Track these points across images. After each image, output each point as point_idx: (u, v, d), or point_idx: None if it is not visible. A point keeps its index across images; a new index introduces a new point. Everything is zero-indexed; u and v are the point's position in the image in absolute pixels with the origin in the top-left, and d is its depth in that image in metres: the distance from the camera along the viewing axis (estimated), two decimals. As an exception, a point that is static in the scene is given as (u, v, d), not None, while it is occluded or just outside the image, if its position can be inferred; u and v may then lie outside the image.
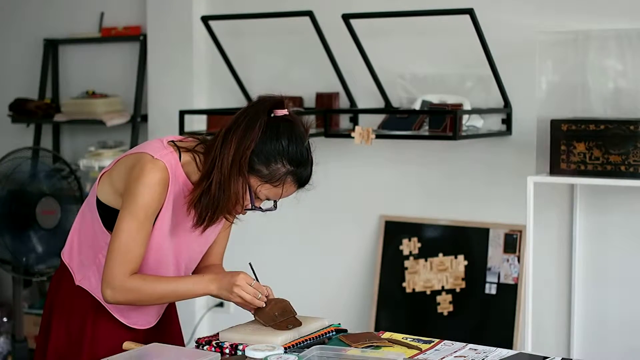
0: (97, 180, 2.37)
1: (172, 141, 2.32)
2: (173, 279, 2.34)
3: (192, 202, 2.25)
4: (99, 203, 2.35)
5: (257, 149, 2.19)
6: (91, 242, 2.38)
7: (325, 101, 4.04)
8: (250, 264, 2.42)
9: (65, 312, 2.42)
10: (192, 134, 2.43)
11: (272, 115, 2.23)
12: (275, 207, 2.31)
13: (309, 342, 2.27)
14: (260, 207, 2.28)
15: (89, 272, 2.38)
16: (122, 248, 2.23)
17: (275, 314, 2.30)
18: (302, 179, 2.25)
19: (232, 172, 2.20)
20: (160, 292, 2.28)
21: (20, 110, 4.73)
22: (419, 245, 3.96)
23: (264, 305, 2.31)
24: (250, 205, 2.26)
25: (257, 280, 2.33)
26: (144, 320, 2.44)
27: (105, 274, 2.25)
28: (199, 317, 4.36)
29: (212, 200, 2.22)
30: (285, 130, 2.21)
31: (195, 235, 2.35)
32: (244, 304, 2.31)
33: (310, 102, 4.14)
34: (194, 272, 2.50)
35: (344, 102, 4.09)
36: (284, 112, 2.24)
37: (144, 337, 2.43)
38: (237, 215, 2.35)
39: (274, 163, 2.20)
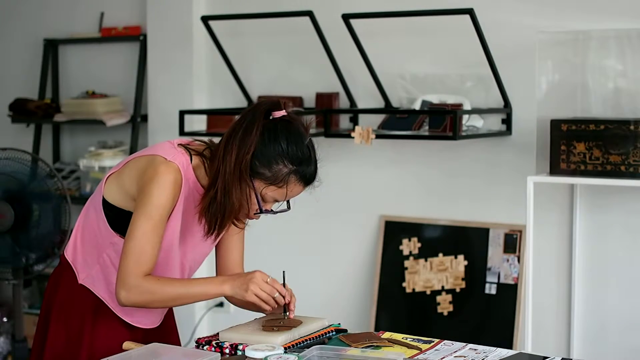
0: (104, 180, 2.37)
1: (181, 144, 2.34)
2: (186, 280, 2.34)
3: (202, 210, 2.27)
4: (105, 203, 2.35)
5: (257, 152, 2.21)
6: (95, 241, 2.38)
7: (325, 101, 4.04)
8: (283, 272, 2.40)
9: (64, 311, 2.41)
10: (194, 134, 2.43)
11: (271, 117, 2.25)
12: (288, 207, 2.32)
13: (309, 342, 2.27)
14: (271, 210, 2.29)
15: (93, 271, 2.38)
16: (137, 249, 2.22)
17: (281, 323, 2.30)
18: (306, 177, 2.26)
19: (234, 178, 2.22)
20: (174, 293, 2.27)
21: (20, 110, 4.73)
22: (419, 245, 3.96)
23: (279, 305, 2.30)
24: (258, 209, 2.27)
25: (284, 286, 2.32)
26: (148, 319, 2.44)
27: (120, 275, 2.24)
28: (199, 317, 4.36)
29: (219, 207, 2.24)
30: (283, 130, 2.23)
31: (200, 237, 2.36)
32: (259, 303, 2.29)
33: (310, 102, 4.14)
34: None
35: (344, 102, 4.09)
36: (282, 113, 2.26)
37: (143, 336, 2.42)
38: (248, 221, 2.36)
39: (275, 164, 2.22)
